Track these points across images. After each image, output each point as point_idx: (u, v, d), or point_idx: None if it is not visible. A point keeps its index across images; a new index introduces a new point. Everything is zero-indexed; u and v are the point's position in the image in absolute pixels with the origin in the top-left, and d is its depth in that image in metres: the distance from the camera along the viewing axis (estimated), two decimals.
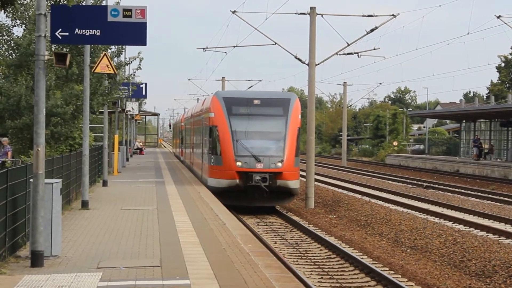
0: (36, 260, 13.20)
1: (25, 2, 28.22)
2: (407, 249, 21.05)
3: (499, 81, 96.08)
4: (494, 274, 17.60)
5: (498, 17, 44.96)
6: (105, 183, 31.82)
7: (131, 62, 37.59)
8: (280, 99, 31.18)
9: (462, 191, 42.07)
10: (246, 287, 11.50)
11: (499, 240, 22.35)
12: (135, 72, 41.15)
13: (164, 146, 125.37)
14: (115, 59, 33.62)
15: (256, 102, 29.85)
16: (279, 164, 28.03)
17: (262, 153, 28.07)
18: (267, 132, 29.22)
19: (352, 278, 16.99)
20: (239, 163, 27.94)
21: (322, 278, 16.94)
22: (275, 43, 36.19)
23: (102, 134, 35.47)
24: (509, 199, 36.53)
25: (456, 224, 26.35)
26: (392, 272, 17.77)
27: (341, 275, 17.24)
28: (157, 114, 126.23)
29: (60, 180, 15.17)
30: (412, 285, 16.37)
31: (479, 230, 24.76)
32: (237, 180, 27.86)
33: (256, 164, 27.80)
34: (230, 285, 11.63)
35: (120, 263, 13.43)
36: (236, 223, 19.19)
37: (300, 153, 30.98)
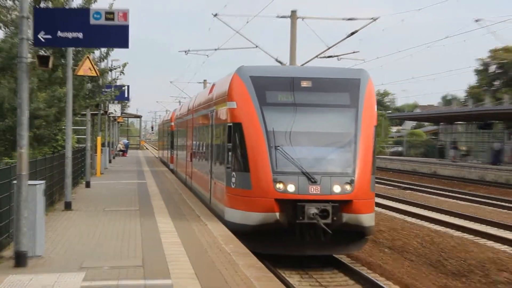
0: (20, 260, 13.19)
1: (7, 4, 28.20)
2: (385, 249, 21.17)
3: (477, 84, 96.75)
4: (469, 273, 17.80)
5: (477, 20, 45.52)
6: (88, 185, 31.87)
7: (115, 68, 37.53)
8: (344, 80, 18.90)
9: (440, 192, 42.41)
10: (227, 286, 11.56)
11: (475, 240, 22.61)
12: (118, 77, 41.18)
13: (147, 148, 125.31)
14: (101, 64, 33.64)
15: (305, 84, 18.35)
16: (348, 188, 16.98)
17: (319, 169, 17.18)
18: (326, 133, 18.08)
19: (331, 277, 17.06)
20: (280, 186, 16.89)
21: (302, 277, 16.97)
22: (256, 46, 36.27)
23: (85, 136, 35.43)
24: (485, 200, 36.93)
25: (433, 224, 26.59)
26: (370, 271, 17.88)
27: (320, 274, 17.28)
28: (139, 116, 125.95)
29: (43, 181, 15.19)
30: (389, 284, 16.49)
31: (455, 230, 25.00)
32: (277, 214, 16.82)
33: (309, 188, 16.83)
34: (212, 285, 11.66)
35: (103, 263, 13.43)
36: (218, 224, 19.03)
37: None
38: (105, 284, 11.72)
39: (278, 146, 17.35)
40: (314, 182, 16.90)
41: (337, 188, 16.96)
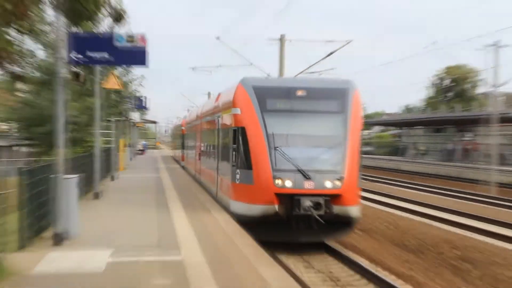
0: (57, 240, 13.28)
1: (47, 29, 28.23)
2: (357, 231, 21.21)
3: (434, 95, 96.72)
4: (426, 250, 17.92)
5: (433, 43, 46.05)
6: (112, 178, 31.83)
7: (136, 80, 37.53)
8: (334, 89, 17.92)
9: (403, 184, 42.54)
10: (227, 260, 11.65)
11: (431, 223, 22.71)
12: (137, 89, 41.38)
13: (162, 148, 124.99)
14: (123, 77, 33.72)
15: (300, 93, 17.45)
16: (338, 183, 16.24)
17: (313, 167, 16.32)
18: (319, 136, 17.12)
19: (311, 253, 17.12)
20: (279, 181, 16.18)
21: (288, 253, 17.00)
22: (251, 64, 36.20)
23: (111, 138, 35.43)
24: (440, 191, 37.10)
25: (397, 210, 26.69)
26: (345, 249, 17.95)
27: (305, 252, 17.31)
28: (155, 122, 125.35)
29: (77, 175, 15.23)
30: (361, 259, 16.56)
31: (415, 216, 25.10)
32: (276, 206, 16.11)
33: (304, 183, 16.10)
34: (214, 259, 11.72)
35: (126, 242, 13.49)
36: (221, 212, 18.66)
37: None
38: (127, 259, 11.77)
39: (277, 147, 16.54)
40: (308, 178, 16.10)
41: (328, 184, 16.18)
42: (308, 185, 16.09)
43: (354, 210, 16.61)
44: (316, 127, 17.18)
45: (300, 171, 16.17)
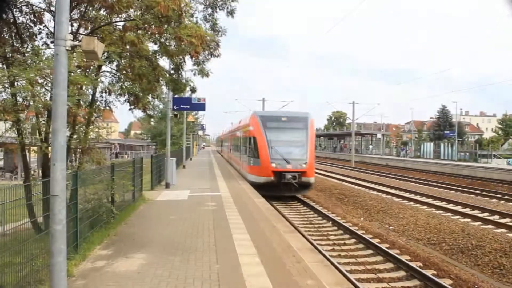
0: (167, 186, 13.32)
1: (163, 95, 28.22)
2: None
3: (329, 124, 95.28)
4: (326, 190, 17.34)
5: (327, 102, 44.52)
6: (191, 159, 31.65)
7: (200, 117, 37.17)
8: (301, 117, 15.54)
9: (317, 162, 41.95)
10: (242, 197, 11.20)
11: (328, 179, 22.03)
12: (200, 121, 41.17)
13: (211, 147, 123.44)
14: (195, 114, 33.52)
15: (283, 119, 15.24)
16: (304, 165, 14.17)
17: (291, 157, 14.29)
18: (294, 141, 14.78)
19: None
20: (273, 164, 14.15)
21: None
22: (250, 110, 35.67)
23: (189, 141, 35.34)
24: (331, 165, 35.96)
25: (317, 175, 25.72)
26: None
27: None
28: (208, 135, 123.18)
29: (175, 158, 15.20)
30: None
31: (323, 176, 23.95)
32: (272, 178, 14.08)
33: (287, 166, 14.07)
34: (235, 196, 11.31)
35: (196, 187, 13.38)
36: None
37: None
38: (197, 194, 11.72)
39: (273, 146, 14.29)
40: (289, 163, 13.98)
41: (299, 166, 14.01)
42: (289, 166, 14.00)
43: (312, 179, 14.46)
44: (292, 136, 14.88)
45: (285, 159, 14.09)
